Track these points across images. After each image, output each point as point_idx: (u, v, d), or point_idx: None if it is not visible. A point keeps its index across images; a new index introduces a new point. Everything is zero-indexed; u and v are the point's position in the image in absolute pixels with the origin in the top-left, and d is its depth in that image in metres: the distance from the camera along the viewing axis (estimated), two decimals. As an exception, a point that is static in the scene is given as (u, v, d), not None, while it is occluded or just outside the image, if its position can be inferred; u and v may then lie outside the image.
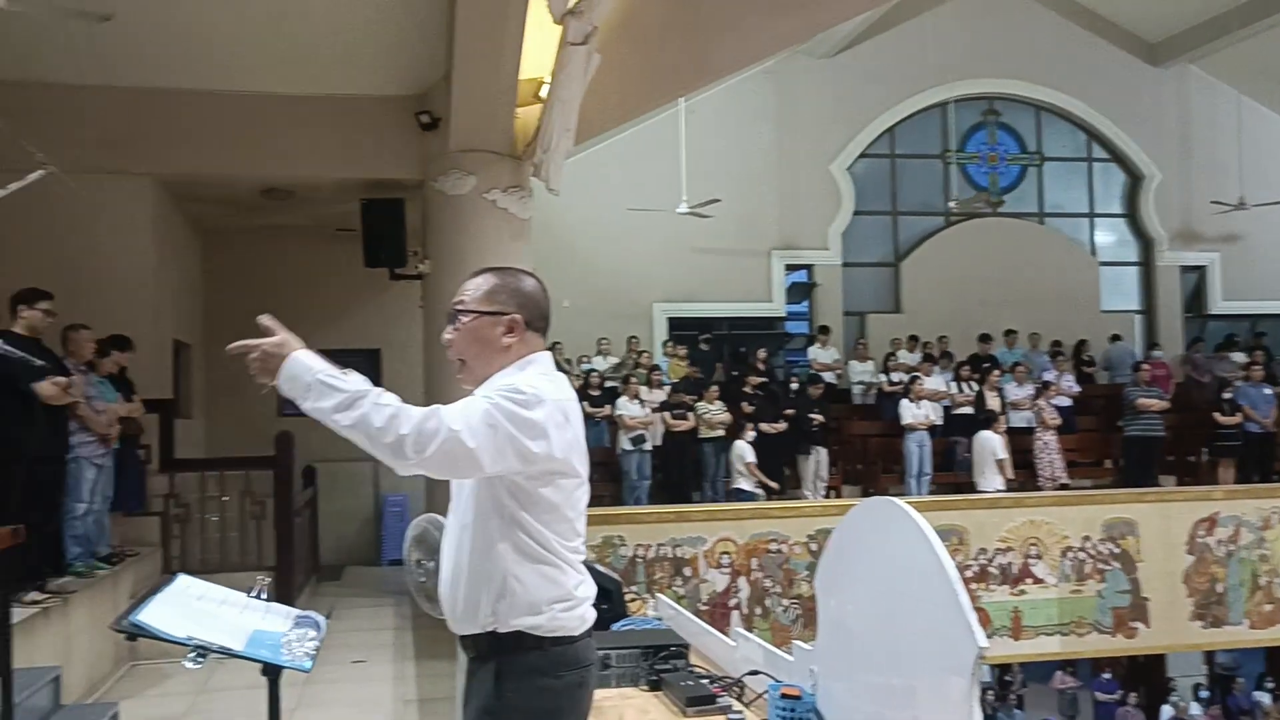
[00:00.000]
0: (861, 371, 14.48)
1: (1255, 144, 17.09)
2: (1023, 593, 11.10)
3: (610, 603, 3.88)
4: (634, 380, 12.16)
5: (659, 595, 5.99)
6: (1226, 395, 12.82)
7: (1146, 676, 13.94)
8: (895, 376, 13.45)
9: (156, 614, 2.74)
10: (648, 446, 11.79)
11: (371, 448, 2.09)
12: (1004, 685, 13.64)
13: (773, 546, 10.64)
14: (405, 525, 3.76)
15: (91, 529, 7.04)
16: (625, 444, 11.68)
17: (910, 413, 12.33)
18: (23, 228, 8.28)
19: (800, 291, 16.76)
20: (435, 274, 9.47)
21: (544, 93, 8.75)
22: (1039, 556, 11.14)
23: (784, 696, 2.95)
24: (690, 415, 11.94)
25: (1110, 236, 17.75)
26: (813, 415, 12.15)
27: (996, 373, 13.13)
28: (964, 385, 13.09)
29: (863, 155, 16.75)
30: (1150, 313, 17.51)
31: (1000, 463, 11.83)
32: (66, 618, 6.07)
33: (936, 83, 16.46)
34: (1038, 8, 16.82)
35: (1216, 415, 12.73)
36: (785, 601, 10.65)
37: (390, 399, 2.10)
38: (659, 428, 12.01)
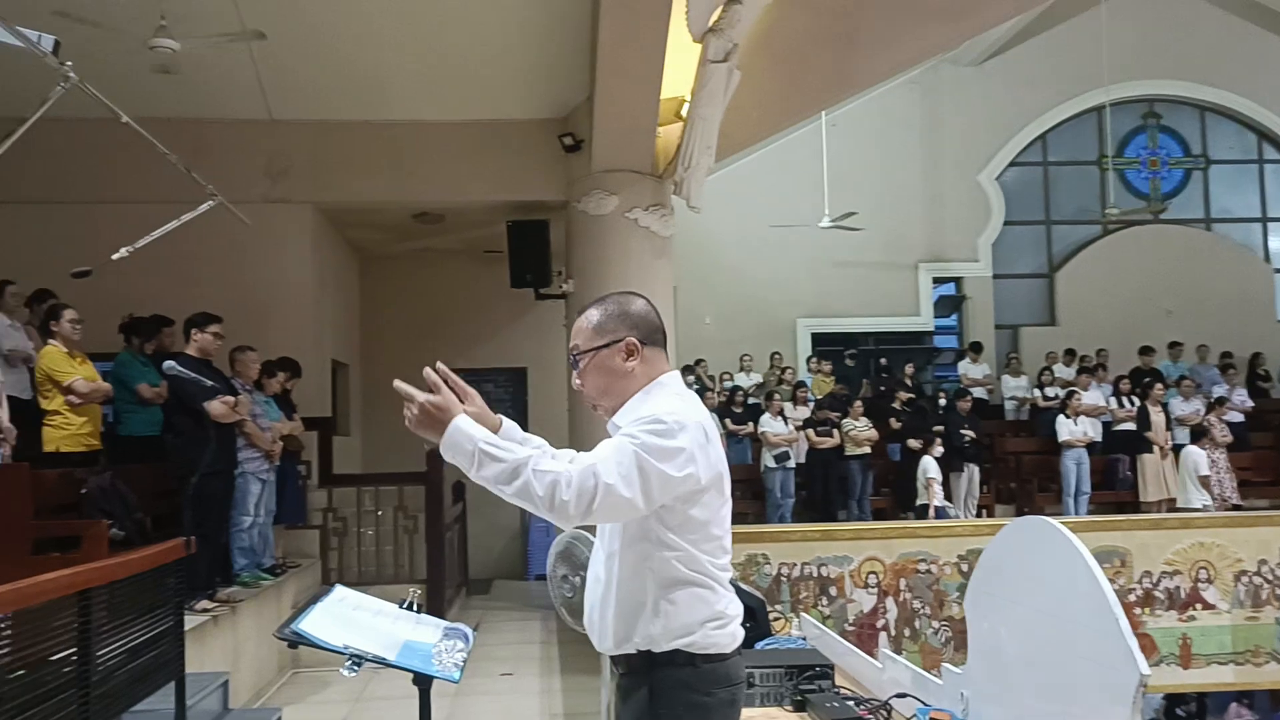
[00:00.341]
0: (1015, 386, 14.04)
1: None
2: (1192, 619, 10.51)
3: (754, 621, 3.85)
4: (778, 397, 12.07)
5: (804, 615, 5.92)
6: None
7: (1333, 712, 13.01)
8: (1051, 391, 13.00)
9: (316, 623, 2.85)
10: (792, 464, 11.68)
11: (537, 512, 2.14)
12: (1174, 717, 12.93)
13: (922, 567, 10.37)
14: (551, 541, 3.82)
15: (257, 541, 7.38)
16: (769, 461, 11.60)
17: (1067, 429, 11.89)
18: (194, 256, 8.74)
19: (949, 305, 16.37)
20: (579, 293, 9.61)
21: (685, 111, 8.80)
22: (1210, 580, 10.54)
23: (933, 721, 2.87)
24: (835, 432, 11.78)
25: (1286, 241, 16.75)
26: (964, 431, 11.83)
27: (1160, 387, 12.53)
28: (1124, 400, 12.54)
29: (1013, 164, 16.29)
30: (1332, 321, 16.43)
31: (1204, 480, 11.39)
32: (235, 625, 6.37)
33: (1091, 87, 15.81)
34: (1199, 3, 16.03)
35: None
36: (935, 623, 10.36)
37: (549, 465, 2.14)
38: (803, 445, 11.89)
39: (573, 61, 8.95)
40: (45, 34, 4.48)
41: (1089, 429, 12.07)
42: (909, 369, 13.54)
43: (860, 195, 14.75)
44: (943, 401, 12.62)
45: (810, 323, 15.77)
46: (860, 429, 11.73)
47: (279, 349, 8.53)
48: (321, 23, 8.61)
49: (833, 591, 10.32)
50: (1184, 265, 15.68)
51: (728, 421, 12.18)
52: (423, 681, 2.91)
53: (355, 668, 2.75)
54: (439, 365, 2.29)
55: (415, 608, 3.18)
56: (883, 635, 10.23)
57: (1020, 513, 11.71)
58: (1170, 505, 11.70)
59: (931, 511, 11.19)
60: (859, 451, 11.73)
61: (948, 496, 11.81)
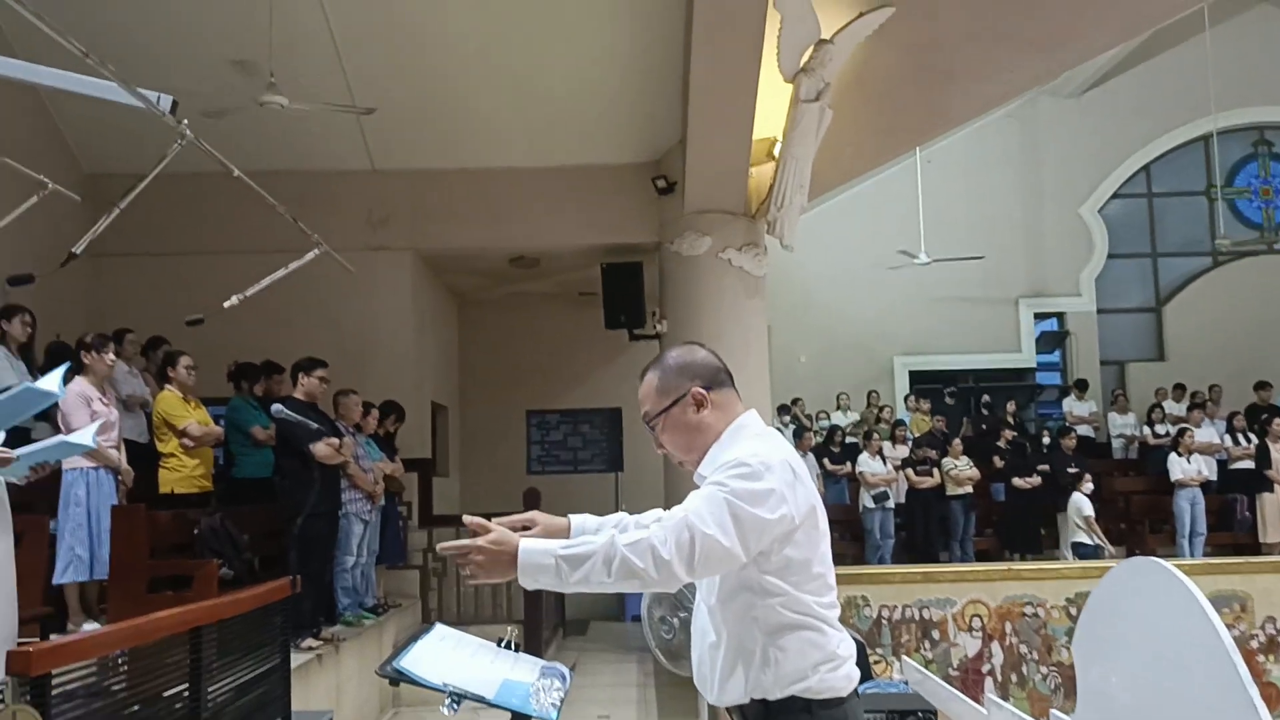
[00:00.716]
0: (1122, 424, 13.62)
1: None
2: (1321, 667, 9.99)
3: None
4: (876, 436, 11.90)
5: (906, 658, 5.79)
6: None
7: None
8: (1161, 429, 12.57)
9: (417, 661, 2.88)
10: (891, 504, 11.48)
11: (645, 586, 2.08)
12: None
13: (1028, 610, 10.07)
14: (646, 581, 3.81)
15: (359, 581, 7.51)
16: (867, 501, 11.42)
17: (1180, 467, 11.47)
18: (300, 302, 9.01)
19: (1051, 340, 15.98)
20: (672, 333, 9.64)
21: (777, 151, 8.82)
22: (1339, 628, 10.02)
23: (1043, 770, 2.78)
24: (935, 471, 11.55)
25: None
26: (1070, 470, 11.50)
27: (1278, 423, 12.02)
28: (1240, 437, 12.05)
29: (1115, 195, 15.91)
30: None
31: None
32: (338, 664, 6.48)
33: (1196, 115, 15.38)
34: (1310, 26, 15.53)
35: None
36: (1044, 669, 10.03)
37: (635, 535, 2.08)
38: (902, 484, 11.69)
39: (665, 105, 9.05)
40: (163, 94, 4.70)
41: (1203, 467, 11.64)
42: (1010, 406, 13.23)
43: (957, 230, 14.56)
44: (1046, 439, 12.29)
45: (908, 360, 15.55)
46: (961, 468, 11.49)
47: (380, 392, 8.73)
48: (420, 76, 8.89)
49: (935, 635, 10.08)
50: (1302, 296, 15.08)
51: (825, 461, 12.04)
52: (521, 720, 2.92)
53: (455, 706, 2.77)
54: (469, 519, 2.25)
55: (513, 647, 3.20)
56: (988, 681, 9.95)
57: (1130, 554, 11.30)
58: (1294, 547, 11.17)
59: (1108, 551, 10.81)
60: (960, 491, 11.48)
61: (1055, 538, 11.48)
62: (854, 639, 4.04)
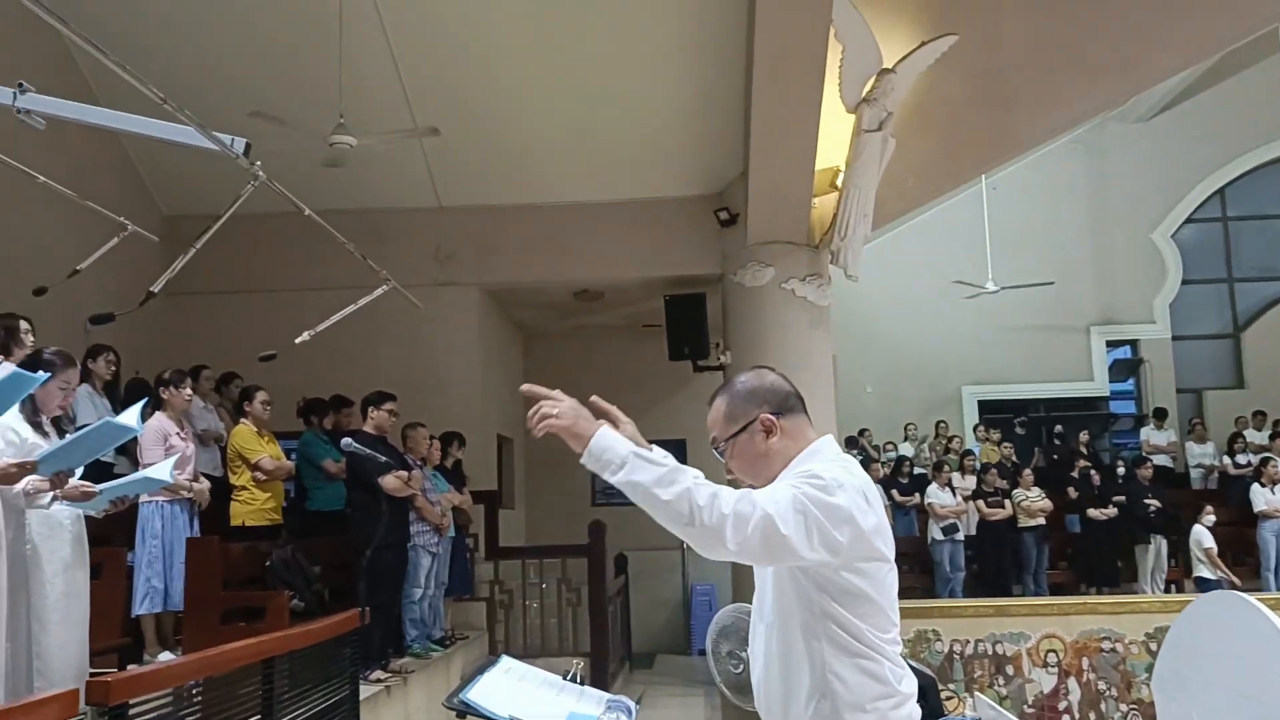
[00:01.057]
0: (1200, 453, 13.27)
1: None
2: None
3: (925, 701, 3.72)
4: (946, 467, 11.73)
5: (978, 694, 5.68)
6: None
7: None
8: (1242, 458, 12.22)
9: (483, 693, 2.90)
10: (960, 536, 11.29)
11: (687, 528, 2.01)
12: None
13: (1105, 645, 9.80)
14: (714, 614, 3.79)
15: (427, 613, 7.56)
16: (936, 533, 11.25)
17: (1263, 498, 11.15)
18: (368, 337, 9.17)
19: (1124, 369, 15.65)
20: (736, 364, 9.61)
21: (840, 181, 8.80)
22: None
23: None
24: (1007, 502, 11.34)
25: None
26: (1148, 501, 11.22)
27: (1366, 452, 11.65)
28: (1326, 467, 11.67)
29: (1189, 220, 15.59)
30: None
31: None
32: (406, 696, 6.52)
33: (1270, 138, 15.09)
34: (1390, 43, 15.12)
35: None
36: (1123, 707, 9.74)
37: (706, 483, 2.04)
38: (973, 516, 11.49)
39: (726, 137, 9.08)
40: (238, 137, 4.84)
41: (1288, 498, 11.28)
42: (1084, 436, 12.96)
43: (1025, 258, 14.39)
44: (1121, 470, 12.02)
45: (976, 390, 15.33)
46: (1033, 499, 11.27)
47: (447, 425, 8.82)
48: (485, 113, 9.04)
49: (1009, 670, 9.85)
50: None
51: (894, 492, 11.90)
52: (586, 754, 2.91)
53: (521, 739, 2.78)
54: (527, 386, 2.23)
55: (579, 680, 3.20)
56: (1065, 718, 9.69)
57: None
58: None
59: (1234, 585, 10.49)
60: (1033, 523, 11.25)
61: (1134, 570, 11.18)
62: (926, 674, 3.98)
